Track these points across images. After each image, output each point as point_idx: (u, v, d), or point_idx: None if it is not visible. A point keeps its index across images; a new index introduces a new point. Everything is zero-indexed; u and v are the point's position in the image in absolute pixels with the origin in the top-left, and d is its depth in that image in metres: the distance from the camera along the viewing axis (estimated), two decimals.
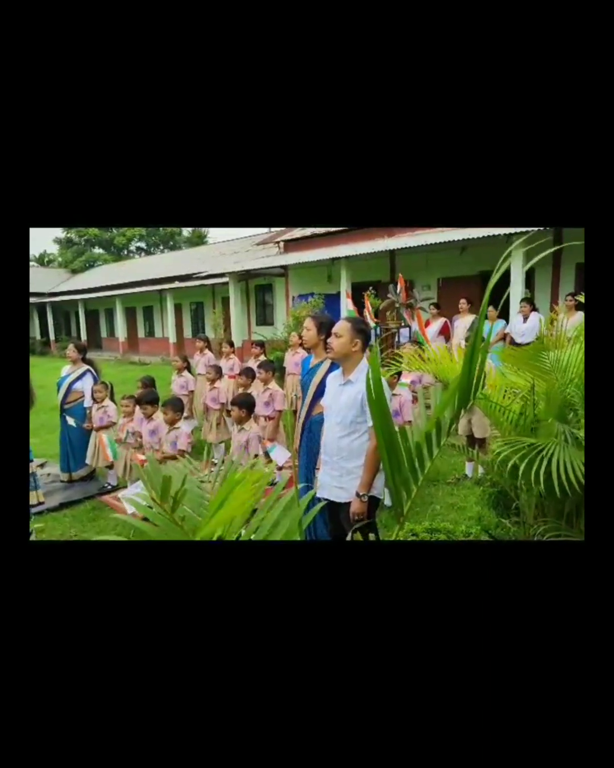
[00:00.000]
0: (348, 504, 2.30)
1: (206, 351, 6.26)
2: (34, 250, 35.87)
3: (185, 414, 4.33)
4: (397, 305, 6.99)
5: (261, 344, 5.88)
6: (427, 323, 6.97)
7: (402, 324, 7.05)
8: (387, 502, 3.78)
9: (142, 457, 3.77)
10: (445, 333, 6.89)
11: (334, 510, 2.40)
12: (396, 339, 6.95)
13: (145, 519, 1.00)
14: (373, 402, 0.85)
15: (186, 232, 34.35)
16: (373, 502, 2.33)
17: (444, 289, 10.12)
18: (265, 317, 14.62)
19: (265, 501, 1.08)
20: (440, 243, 8.04)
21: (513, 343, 5.98)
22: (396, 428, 0.87)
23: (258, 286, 14.53)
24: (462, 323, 6.66)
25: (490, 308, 6.81)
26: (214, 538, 0.72)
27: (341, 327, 2.35)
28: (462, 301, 6.73)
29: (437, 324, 6.96)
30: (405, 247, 8.58)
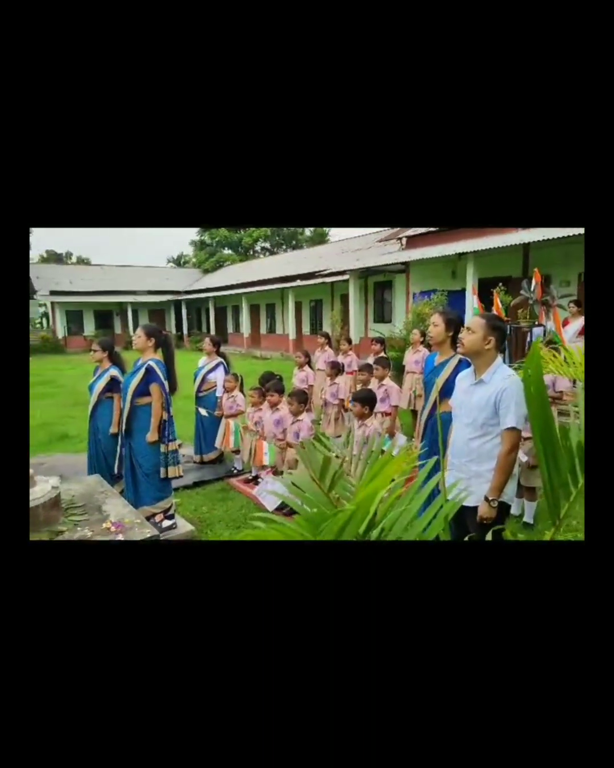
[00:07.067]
0: (474, 508, 2.22)
1: (326, 347, 6.43)
2: (173, 252, 39.24)
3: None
4: (531, 302, 6.49)
5: (381, 341, 5.89)
6: (565, 322, 6.38)
7: (536, 323, 6.53)
8: (515, 510, 3.55)
9: (265, 447, 4.00)
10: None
11: (460, 513, 2.32)
12: (529, 339, 6.46)
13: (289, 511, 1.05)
14: (532, 398, 0.82)
15: (308, 231, 35.27)
16: (503, 508, 2.21)
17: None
18: (382, 314, 14.52)
19: (405, 493, 1.09)
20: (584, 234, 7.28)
21: None
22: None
23: (376, 284, 14.46)
24: None
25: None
26: (368, 515, 0.75)
27: (475, 322, 2.26)
28: None
29: (576, 323, 6.32)
30: (543, 240, 7.92)
